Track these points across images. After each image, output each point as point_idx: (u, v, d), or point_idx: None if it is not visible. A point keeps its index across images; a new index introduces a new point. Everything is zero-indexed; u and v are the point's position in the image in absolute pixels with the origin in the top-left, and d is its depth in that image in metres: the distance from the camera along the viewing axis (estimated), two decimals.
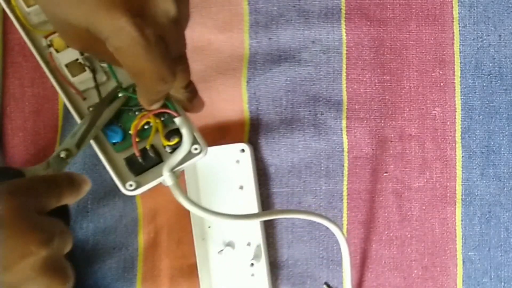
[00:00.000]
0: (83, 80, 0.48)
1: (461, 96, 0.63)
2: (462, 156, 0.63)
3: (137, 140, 0.47)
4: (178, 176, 0.47)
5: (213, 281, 0.63)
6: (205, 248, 0.62)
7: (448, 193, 0.63)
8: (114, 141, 0.47)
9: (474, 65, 0.63)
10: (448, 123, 0.63)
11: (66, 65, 0.47)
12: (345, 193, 0.63)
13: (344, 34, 0.63)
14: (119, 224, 0.63)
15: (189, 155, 0.46)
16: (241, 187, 0.62)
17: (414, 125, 0.63)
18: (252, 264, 0.62)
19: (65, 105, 0.64)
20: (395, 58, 0.63)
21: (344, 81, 0.63)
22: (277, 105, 0.63)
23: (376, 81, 0.63)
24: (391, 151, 0.63)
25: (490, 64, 0.63)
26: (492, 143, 0.63)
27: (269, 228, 0.63)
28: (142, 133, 0.47)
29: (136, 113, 0.47)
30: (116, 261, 0.63)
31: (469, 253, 0.62)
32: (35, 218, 0.40)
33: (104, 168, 0.48)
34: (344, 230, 0.63)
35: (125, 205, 0.63)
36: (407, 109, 0.63)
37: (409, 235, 0.63)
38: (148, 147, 0.46)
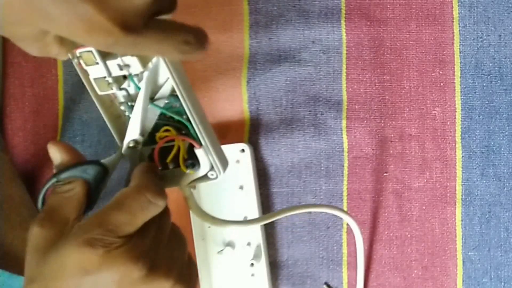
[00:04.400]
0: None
1: (461, 96, 0.63)
2: (462, 156, 0.63)
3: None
4: (193, 187, 0.48)
5: (213, 281, 0.63)
6: (205, 248, 0.62)
7: (448, 193, 0.63)
8: None
9: (474, 65, 0.63)
10: (448, 123, 0.63)
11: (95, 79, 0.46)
12: (345, 193, 0.63)
13: (344, 34, 0.63)
14: None
15: (205, 178, 0.47)
16: (241, 187, 0.62)
17: (414, 125, 0.63)
18: (252, 264, 0.62)
19: (65, 105, 0.64)
20: (395, 58, 0.63)
21: (344, 81, 0.63)
22: (277, 105, 0.63)
23: (376, 81, 0.63)
24: (391, 151, 0.63)
25: (490, 64, 0.63)
26: (492, 143, 0.63)
27: (269, 228, 0.63)
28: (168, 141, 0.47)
29: (161, 121, 0.47)
30: None
31: (469, 253, 0.62)
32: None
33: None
34: (344, 230, 0.63)
35: None
36: (407, 109, 0.63)
37: (409, 235, 0.63)
38: (168, 161, 0.46)
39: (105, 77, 0.44)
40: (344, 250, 0.63)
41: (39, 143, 0.64)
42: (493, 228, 0.62)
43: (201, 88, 0.63)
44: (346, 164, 0.63)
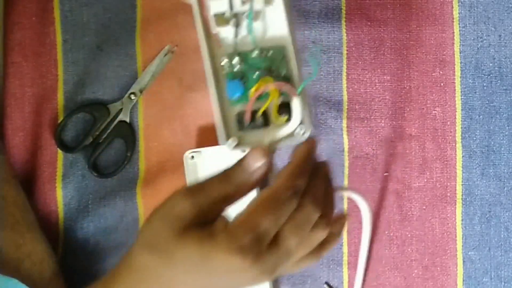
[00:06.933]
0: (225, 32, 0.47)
1: (461, 96, 0.63)
2: (462, 156, 0.63)
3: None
4: (275, 150, 0.46)
5: None
6: None
7: (448, 193, 0.63)
8: (233, 95, 0.46)
9: (474, 65, 0.63)
10: (448, 123, 0.63)
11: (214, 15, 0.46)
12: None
13: (344, 34, 0.63)
14: (119, 224, 0.63)
15: (292, 136, 0.46)
16: None
17: (414, 125, 0.63)
18: None
19: (65, 105, 0.64)
20: (395, 58, 0.63)
21: (344, 81, 0.63)
22: None
23: (377, 81, 0.63)
24: (391, 151, 0.63)
25: (490, 64, 0.63)
26: (492, 143, 0.63)
27: None
28: (260, 96, 0.46)
29: (258, 74, 0.46)
30: (116, 261, 0.62)
31: (469, 253, 0.63)
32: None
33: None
34: (344, 230, 0.63)
35: (125, 205, 0.63)
36: (408, 109, 0.63)
37: (409, 235, 0.63)
38: (259, 114, 0.45)
39: (223, 14, 0.45)
40: (344, 250, 0.63)
41: (39, 143, 0.64)
42: (493, 228, 0.62)
43: (202, 88, 0.63)
44: (346, 164, 0.63)
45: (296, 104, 0.45)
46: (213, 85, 0.45)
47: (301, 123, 0.45)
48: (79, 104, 0.64)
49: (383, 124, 0.63)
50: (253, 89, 0.45)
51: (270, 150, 0.44)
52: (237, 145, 0.45)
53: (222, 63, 0.45)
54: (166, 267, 0.40)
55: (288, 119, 0.45)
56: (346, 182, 0.63)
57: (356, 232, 0.63)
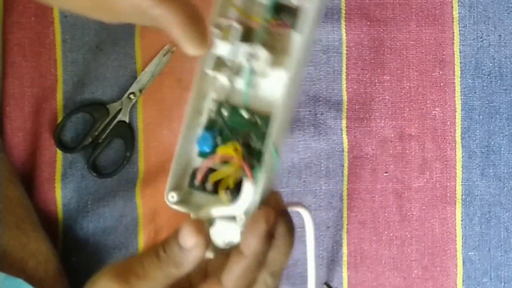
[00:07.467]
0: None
1: (461, 96, 0.63)
2: (462, 156, 0.63)
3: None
4: (211, 224, 0.42)
5: None
6: None
7: (448, 193, 0.63)
8: (201, 147, 0.42)
9: (474, 65, 0.63)
10: (448, 123, 0.63)
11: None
12: (345, 193, 0.63)
13: (344, 34, 0.63)
14: (119, 224, 0.63)
15: (234, 219, 0.41)
16: None
17: (414, 125, 0.63)
18: None
19: (64, 105, 0.64)
20: (395, 58, 0.63)
21: (344, 81, 0.63)
22: None
23: (376, 81, 0.63)
24: (391, 151, 0.63)
25: (490, 64, 0.63)
26: (492, 143, 0.63)
27: None
28: (224, 161, 0.42)
29: (230, 136, 0.42)
30: (116, 261, 0.63)
31: (469, 253, 0.62)
32: None
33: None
34: (344, 230, 0.63)
35: (125, 205, 0.63)
36: (407, 109, 0.63)
37: (409, 235, 0.63)
38: (212, 180, 0.41)
39: (223, 60, 0.41)
40: (344, 250, 0.63)
41: (38, 143, 0.64)
42: (493, 228, 0.62)
43: None
44: (346, 164, 0.63)
45: (246, 190, 0.40)
46: (186, 125, 0.42)
47: (246, 212, 0.40)
48: (79, 104, 0.64)
49: (382, 124, 0.63)
50: (218, 152, 0.41)
51: (204, 224, 0.40)
52: (178, 202, 0.42)
53: (209, 107, 0.42)
54: None
55: (234, 200, 0.40)
56: (345, 182, 0.63)
57: (355, 232, 0.63)
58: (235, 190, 0.41)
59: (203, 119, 0.42)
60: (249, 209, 0.40)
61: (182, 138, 0.42)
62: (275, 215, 0.39)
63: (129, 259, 0.39)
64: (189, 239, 0.38)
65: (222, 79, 0.42)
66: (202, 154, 0.42)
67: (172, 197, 0.42)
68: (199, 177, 0.41)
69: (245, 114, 0.42)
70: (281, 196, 0.41)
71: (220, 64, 0.41)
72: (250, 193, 0.40)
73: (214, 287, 0.38)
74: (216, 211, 0.41)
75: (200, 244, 0.38)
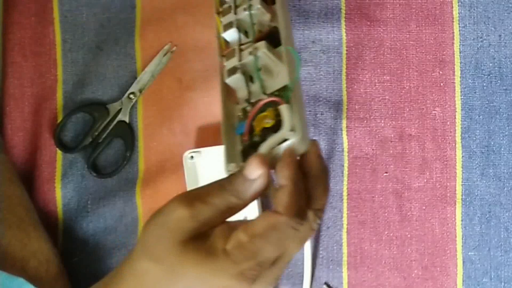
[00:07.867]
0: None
1: (461, 96, 0.63)
2: (462, 156, 0.63)
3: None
4: (274, 160, 0.45)
5: None
6: None
7: (448, 193, 0.63)
8: (238, 132, 0.47)
9: (474, 65, 0.63)
10: (448, 123, 0.63)
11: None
12: (345, 193, 0.63)
13: (344, 34, 0.63)
14: (119, 224, 0.63)
15: (285, 142, 0.44)
16: None
17: (414, 125, 0.63)
18: None
19: (64, 105, 0.64)
20: (395, 58, 0.63)
21: (344, 81, 0.63)
22: None
23: (376, 81, 0.63)
24: (391, 151, 0.63)
25: (490, 64, 0.63)
26: (492, 143, 0.63)
27: None
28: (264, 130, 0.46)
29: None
30: (116, 261, 0.63)
31: (469, 253, 0.62)
32: None
33: None
34: (344, 230, 0.63)
35: (125, 205, 0.63)
36: (407, 109, 0.63)
37: (409, 235, 0.63)
38: (257, 131, 0.45)
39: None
40: (344, 250, 0.63)
41: (38, 143, 0.64)
42: (493, 228, 0.62)
43: (202, 88, 0.63)
44: (346, 164, 0.63)
45: (284, 112, 0.44)
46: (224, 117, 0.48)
47: (292, 129, 0.43)
48: (79, 104, 0.64)
49: (382, 124, 0.63)
50: (252, 112, 0.46)
51: (268, 159, 0.43)
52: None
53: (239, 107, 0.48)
54: (166, 278, 0.40)
55: (276, 127, 0.44)
56: (345, 182, 0.63)
57: (355, 232, 0.63)
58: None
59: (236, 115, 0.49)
60: (295, 128, 0.43)
61: (223, 124, 0.48)
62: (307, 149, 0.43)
63: (198, 188, 0.43)
64: (254, 170, 0.41)
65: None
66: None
67: (234, 167, 0.44)
68: (246, 134, 0.45)
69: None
70: (319, 144, 0.45)
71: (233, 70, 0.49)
72: (288, 112, 0.43)
73: (273, 213, 0.41)
74: (270, 141, 0.44)
75: (262, 176, 0.41)
